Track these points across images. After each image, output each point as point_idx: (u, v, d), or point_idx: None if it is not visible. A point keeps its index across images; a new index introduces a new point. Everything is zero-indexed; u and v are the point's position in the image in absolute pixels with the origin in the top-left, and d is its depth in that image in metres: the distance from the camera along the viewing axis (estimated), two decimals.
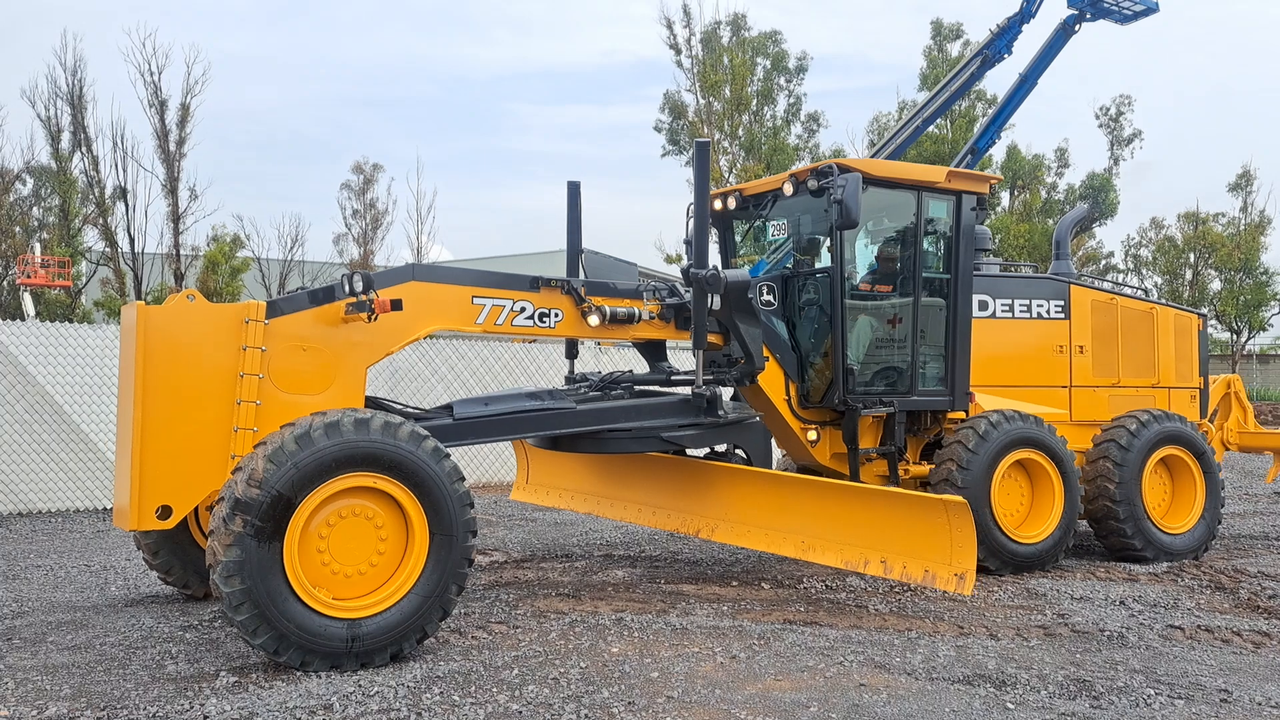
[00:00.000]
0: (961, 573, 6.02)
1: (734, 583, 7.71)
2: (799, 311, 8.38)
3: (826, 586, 7.52)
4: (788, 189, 8.21)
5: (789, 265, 8.62)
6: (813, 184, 7.87)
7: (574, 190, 8.26)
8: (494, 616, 6.54)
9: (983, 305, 8.88)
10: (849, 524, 6.70)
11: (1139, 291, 10.55)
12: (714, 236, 9.40)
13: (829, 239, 8.18)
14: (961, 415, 8.60)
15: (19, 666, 5.41)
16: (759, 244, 9.21)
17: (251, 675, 5.20)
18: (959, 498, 6.13)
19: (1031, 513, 8.29)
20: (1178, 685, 5.18)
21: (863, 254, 8.69)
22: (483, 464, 14.67)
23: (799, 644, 5.89)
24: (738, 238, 9.34)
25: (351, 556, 5.38)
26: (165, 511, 5.43)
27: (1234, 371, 45.15)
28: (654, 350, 8.10)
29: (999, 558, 7.92)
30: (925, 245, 8.40)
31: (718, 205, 9.02)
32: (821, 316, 8.21)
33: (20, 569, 8.26)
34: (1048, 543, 8.18)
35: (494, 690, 5.01)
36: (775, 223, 8.88)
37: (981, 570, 7.82)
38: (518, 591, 7.36)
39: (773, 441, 8.17)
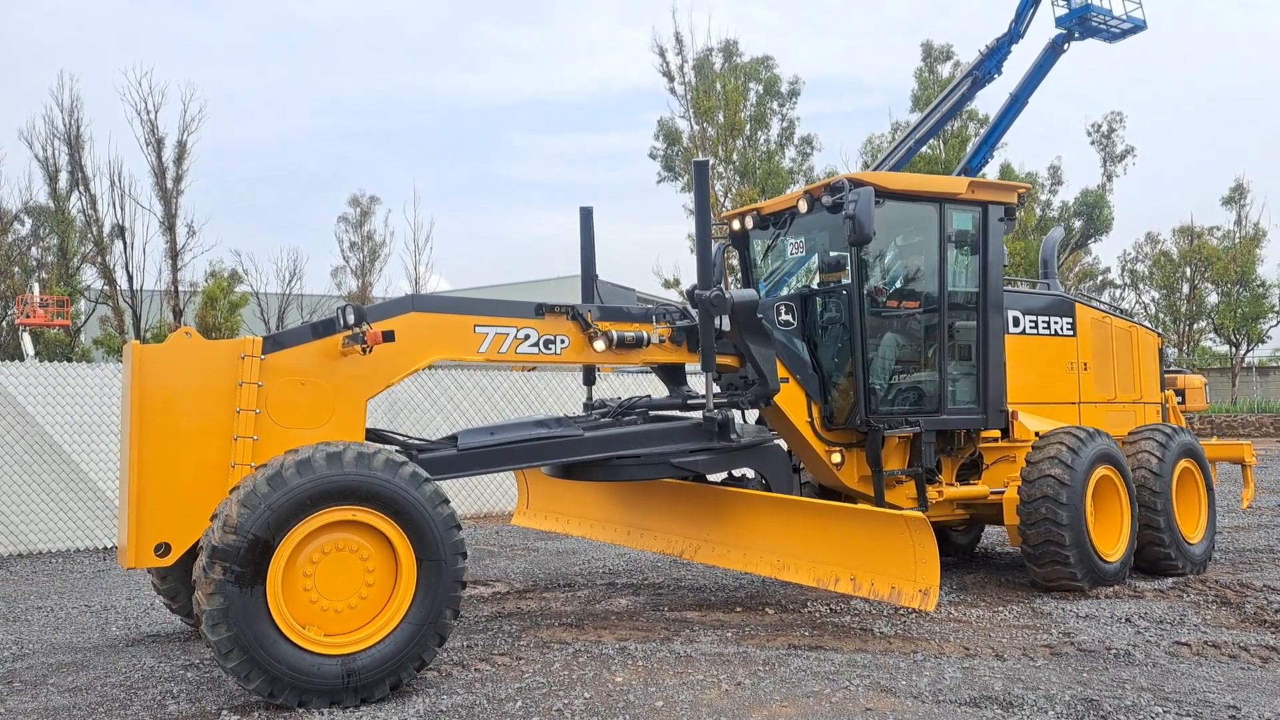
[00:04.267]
0: (925, 589, 6.00)
1: (738, 608, 7.67)
2: (820, 330, 8.26)
3: (831, 610, 7.48)
4: (802, 206, 8.16)
5: (789, 285, 8.58)
6: (827, 199, 7.79)
7: (586, 216, 8.15)
8: (497, 648, 6.50)
9: (1014, 321, 8.79)
10: (820, 542, 6.69)
11: (1117, 310, 10.69)
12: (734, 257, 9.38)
13: (848, 255, 8.02)
14: (996, 434, 8.51)
15: (20, 710, 5.37)
16: (781, 263, 9.12)
17: (253, 714, 5.16)
18: (920, 514, 6.11)
19: (1095, 529, 8.10)
20: (1186, 703, 5.15)
21: (885, 269, 8.53)
22: (483, 495, 14.63)
23: (804, 669, 5.86)
24: (757, 257, 9.22)
25: (340, 592, 5.33)
26: (164, 549, 5.41)
27: (1234, 385, 45.24)
28: (672, 374, 7.99)
29: (1091, 575, 7.85)
30: (951, 258, 8.26)
31: (736, 225, 8.98)
32: (842, 335, 8.07)
33: (20, 610, 8.22)
34: (1124, 559, 8.17)
35: None
36: (794, 241, 8.80)
37: (1073, 586, 7.81)
38: (520, 622, 7.32)
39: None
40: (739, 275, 9.54)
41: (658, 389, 9.70)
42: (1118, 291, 50.23)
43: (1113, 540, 8.19)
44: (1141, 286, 50.25)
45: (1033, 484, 7.85)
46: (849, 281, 8.00)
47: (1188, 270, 47.69)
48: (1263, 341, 47.85)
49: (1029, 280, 9.85)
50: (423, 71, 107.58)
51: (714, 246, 9.49)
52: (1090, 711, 5.02)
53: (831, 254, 8.51)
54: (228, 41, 78.94)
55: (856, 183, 7.62)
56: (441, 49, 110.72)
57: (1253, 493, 10.63)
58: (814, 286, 8.51)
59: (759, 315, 7.43)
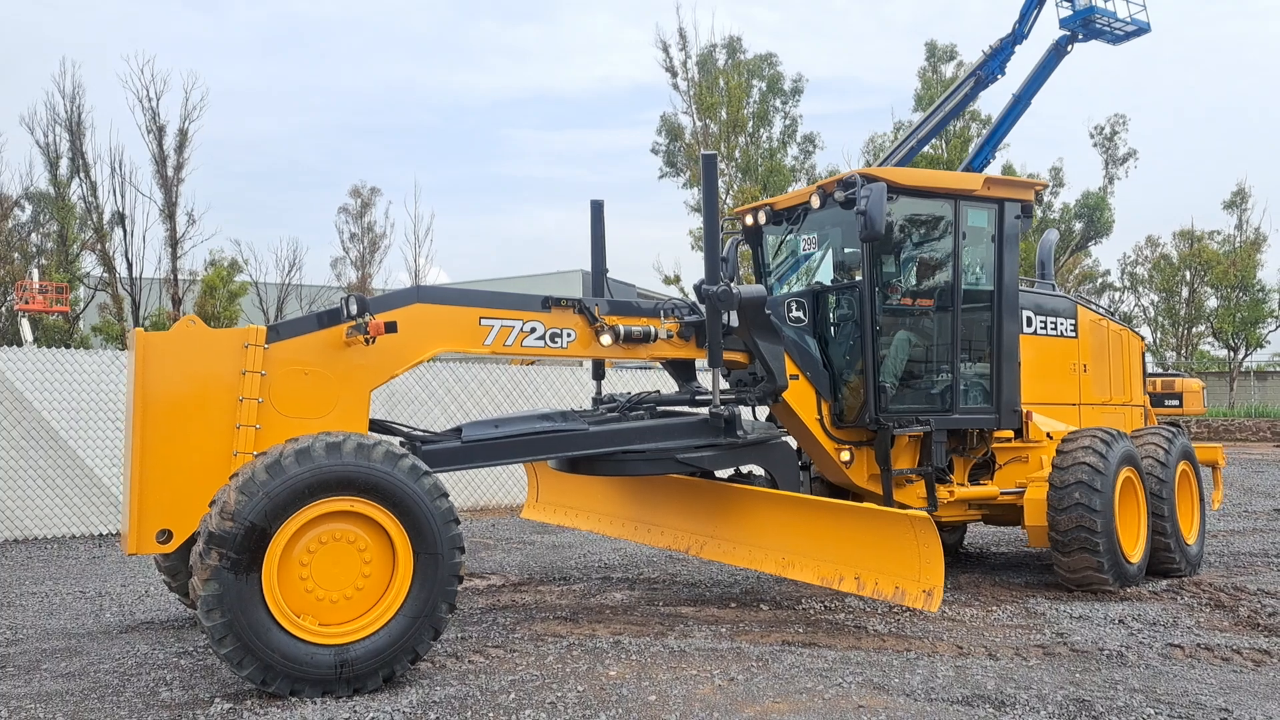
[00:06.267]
0: (930, 589, 6.00)
1: (732, 604, 7.68)
2: (831, 327, 8.21)
3: (825, 607, 7.49)
4: (815, 201, 8.11)
5: (790, 282, 8.54)
6: (839, 195, 7.73)
7: (597, 209, 8.11)
8: (491, 640, 6.51)
9: (1028, 321, 8.75)
10: (825, 541, 6.68)
11: (1109, 312, 10.79)
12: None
13: (861, 251, 7.94)
14: (1010, 434, 8.48)
15: (12, 695, 5.38)
16: (793, 258, 9.07)
17: (246, 702, 5.16)
18: (925, 514, 6.09)
19: (1119, 529, 8.06)
20: (1178, 704, 5.16)
21: (897, 266, 8.45)
22: (482, 487, 14.63)
23: (797, 665, 5.87)
24: (769, 253, 9.18)
25: (336, 582, 5.33)
26: (166, 535, 5.42)
27: (1232, 389, 45.26)
28: (682, 370, 7.95)
29: (1116, 571, 7.85)
30: (965, 256, 8.19)
31: (749, 220, 8.94)
32: (854, 332, 8.03)
33: (15, 596, 8.22)
34: (1142, 562, 8.21)
35: (491, 715, 4.98)
36: (806, 237, 8.76)
37: (1098, 580, 7.81)
38: (515, 615, 7.33)
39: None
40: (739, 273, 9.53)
41: (664, 384, 9.70)
42: (1117, 294, 50.25)
43: (1133, 542, 8.21)
44: (1141, 290, 50.25)
45: (1066, 470, 7.83)
46: (860, 278, 7.94)
47: (1187, 274, 47.67)
48: (1261, 346, 47.84)
49: (1027, 280, 9.87)
50: (425, 68, 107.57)
51: (727, 242, 9.48)
52: (1082, 712, 5.03)
53: (846, 251, 8.46)
54: (229, 39, 78.90)
55: (869, 178, 7.56)
56: (443, 46, 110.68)
57: (1221, 494, 10.90)
58: (825, 283, 8.48)
59: (768, 312, 7.39)
